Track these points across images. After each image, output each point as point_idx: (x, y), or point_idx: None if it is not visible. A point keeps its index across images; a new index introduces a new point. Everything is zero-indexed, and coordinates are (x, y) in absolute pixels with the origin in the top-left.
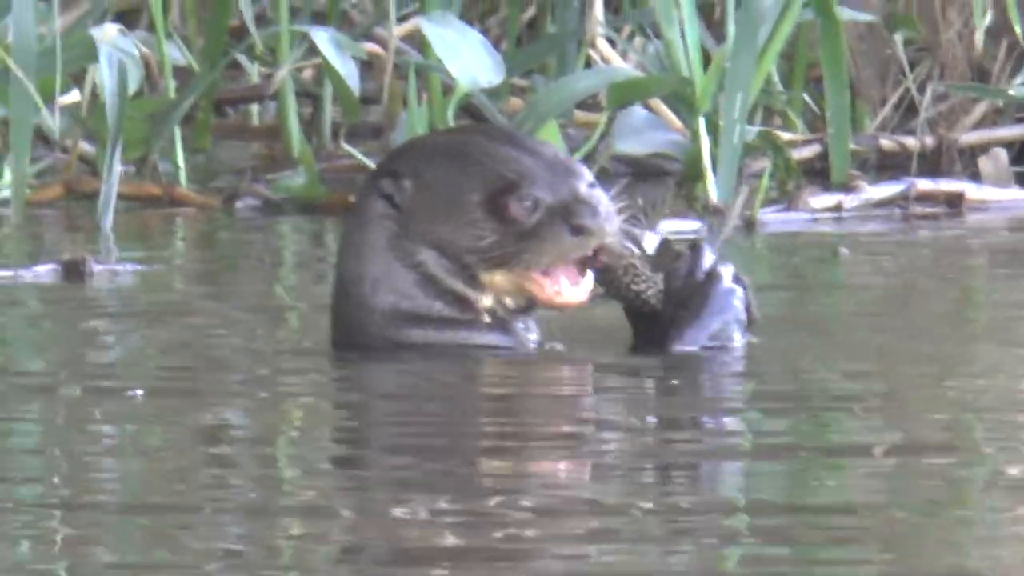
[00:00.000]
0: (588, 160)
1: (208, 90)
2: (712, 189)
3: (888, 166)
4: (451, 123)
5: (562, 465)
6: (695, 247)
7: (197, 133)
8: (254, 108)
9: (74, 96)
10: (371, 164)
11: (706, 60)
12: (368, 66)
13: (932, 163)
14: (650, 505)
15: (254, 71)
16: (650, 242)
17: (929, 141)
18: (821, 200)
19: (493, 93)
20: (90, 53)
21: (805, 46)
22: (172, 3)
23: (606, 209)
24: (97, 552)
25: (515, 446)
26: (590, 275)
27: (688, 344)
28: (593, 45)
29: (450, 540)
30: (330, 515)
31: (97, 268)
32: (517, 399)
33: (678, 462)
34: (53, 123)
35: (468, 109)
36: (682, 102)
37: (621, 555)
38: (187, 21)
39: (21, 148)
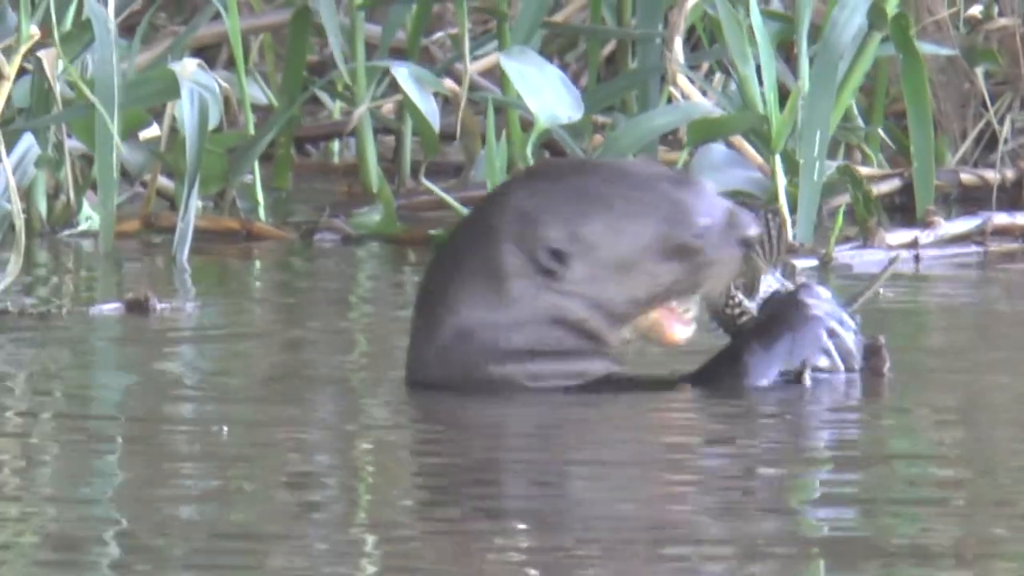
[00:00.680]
0: None
1: (287, 127)
2: (789, 228)
3: (968, 200)
4: (530, 160)
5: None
6: (801, 286)
7: (277, 171)
8: (335, 146)
9: (154, 131)
10: (451, 200)
11: (784, 96)
12: (449, 102)
13: (1013, 196)
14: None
15: (335, 108)
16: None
17: (1010, 174)
18: (897, 236)
19: (575, 130)
20: (171, 88)
21: (885, 81)
22: (251, 40)
23: (750, 215)
24: None
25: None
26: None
27: (755, 378)
28: (674, 82)
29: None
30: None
31: (161, 307)
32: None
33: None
34: (132, 158)
35: (548, 145)
36: (760, 139)
37: None
38: (265, 57)
39: (108, 183)
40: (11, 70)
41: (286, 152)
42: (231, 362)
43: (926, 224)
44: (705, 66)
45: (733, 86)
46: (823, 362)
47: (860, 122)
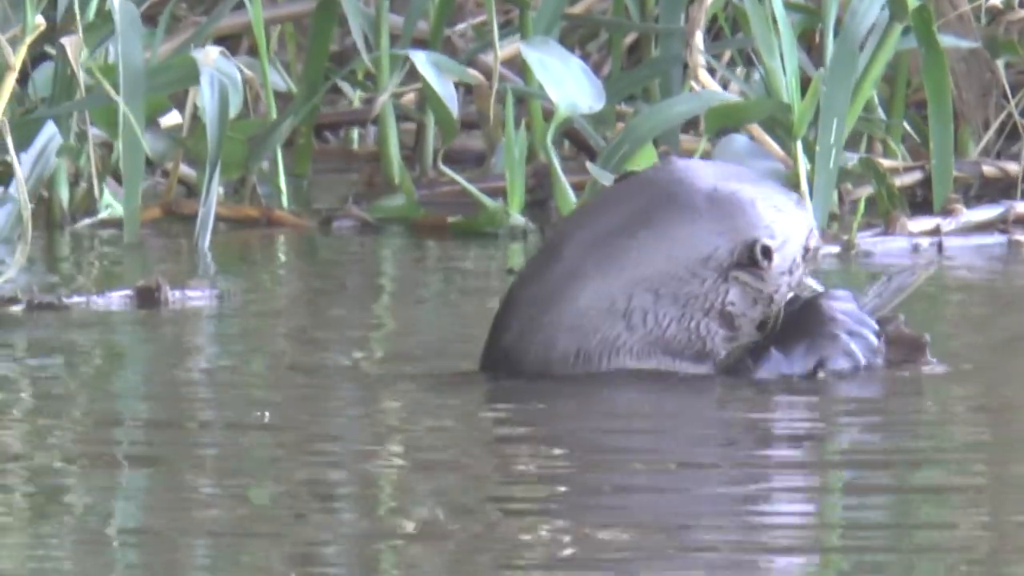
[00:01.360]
0: None
1: (308, 115)
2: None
3: (991, 192)
4: (551, 149)
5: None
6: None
7: (297, 159)
8: (355, 134)
9: (175, 118)
10: (470, 188)
11: (806, 86)
12: (471, 92)
13: None
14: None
15: (355, 97)
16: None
17: None
18: (919, 224)
19: (598, 119)
20: (192, 75)
21: (906, 72)
22: (272, 30)
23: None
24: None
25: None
26: None
27: (769, 371)
28: (695, 77)
29: None
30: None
31: (173, 294)
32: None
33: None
34: (153, 146)
35: (569, 135)
36: (781, 128)
37: None
38: (287, 46)
39: (133, 173)
40: (16, 61)
41: (307, 140)
42: (241, 349)
43: (947, 212)
44: (727, 55)
45: (755, 76)
46: (844, 363)
47: (881, 113)
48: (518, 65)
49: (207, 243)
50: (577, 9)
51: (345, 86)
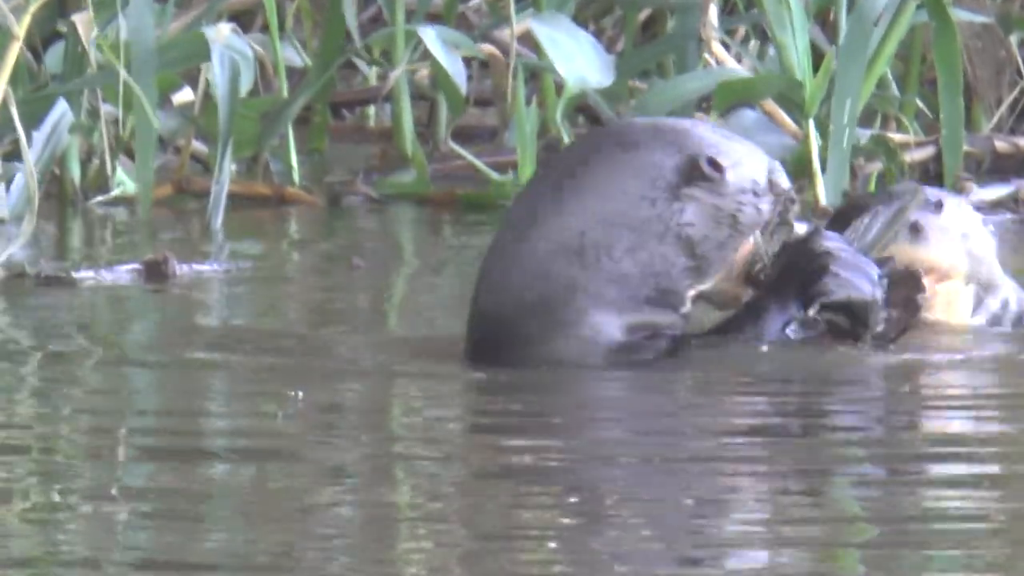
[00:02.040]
0: None
1: (323, 92)
2: (821, 192)
3: (1003, 168)
4: (560, 124)
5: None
6: (811, 233)
7: (312, 135)
8: (371, 110)
9: (187, 95)
10: (480, 164)
11: (820, 63)
12: (485, 67)
13: None
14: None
15: (371, 73)
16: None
17: None
18: None
19: (611, 94)
20: (202, 52)
21: (920, 48)
22: (287, 6)
23: None
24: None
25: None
26: None
27: (766, 333)
28: (709, 49)
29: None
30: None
31: (180, 268)
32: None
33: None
34: (164, 123)
35: (583, 110)
36: (793, 104)
37: None
38: (303, 23)
39: (146, 151)
40: (20, 30)
41: (322, 116)
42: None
43: (958, 190)
44: (741, 32)
45: (769, 52)
46: (844, 294)
47: (895, 90)
48: (531, 41)
49: (220, 221)
50: None
51: (361, 64)
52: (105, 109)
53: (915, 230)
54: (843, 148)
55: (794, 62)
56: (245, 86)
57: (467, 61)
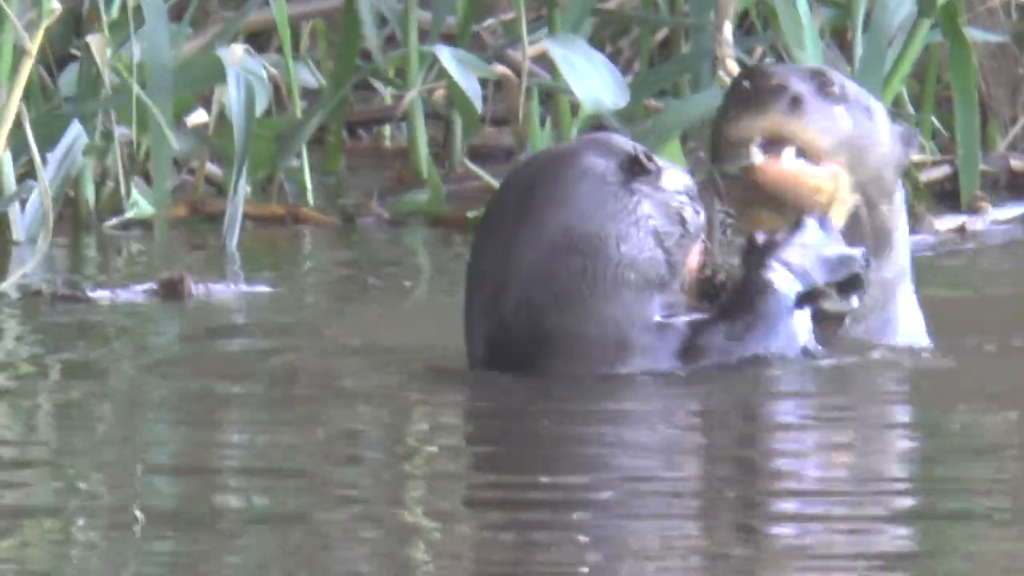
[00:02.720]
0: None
1: (337, 112)
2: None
3: (1018, 186)
4: None
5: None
6: (769, 242)
7: (327, 156)
8: (387, 131)
9: (201, 116)
10: (496, 184)
11: None
12: (500, 88)
13: None
14: None
15: (387, 93)
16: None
17: None
18: (945, 222)
19: (626, 115)
20: (217, 73)
21: (935, 68)
22: (302, 26)
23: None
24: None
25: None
26: None
27: (707, 359)
28: (723, 67)
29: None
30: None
31: (196, 288)
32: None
33: None
34: (178, 144)
35: (598, 130)
36: None
37: None
38: (318, 44)
39: (161, 169)
40: (33, 46)
41: (337, 137)
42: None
43: (974, 210)
44: (759, 51)
45: None
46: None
47: (911, 109)
48: (547, 62)
49: (235, 242)
50: (608, 5)
51: (377, 84)
52: (119, 131)
53: (795, 101)
54: None
55: None
56: (260, 107)
57: (483, 81)
